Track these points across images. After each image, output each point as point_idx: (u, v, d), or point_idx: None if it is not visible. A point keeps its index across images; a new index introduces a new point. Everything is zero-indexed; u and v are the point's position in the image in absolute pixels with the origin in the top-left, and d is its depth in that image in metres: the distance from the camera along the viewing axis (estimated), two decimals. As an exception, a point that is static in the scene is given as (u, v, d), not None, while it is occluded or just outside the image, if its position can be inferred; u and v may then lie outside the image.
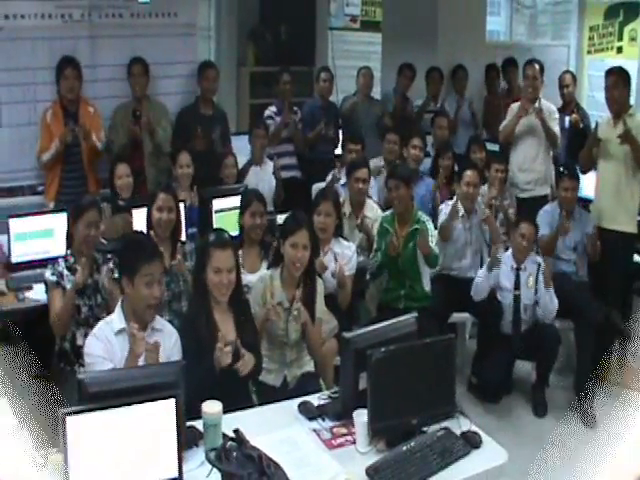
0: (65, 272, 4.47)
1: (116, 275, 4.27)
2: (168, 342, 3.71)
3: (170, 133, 6.64)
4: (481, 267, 5.79)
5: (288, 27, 9.70)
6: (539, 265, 5.42)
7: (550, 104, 6.84)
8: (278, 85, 7.56)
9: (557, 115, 6.82)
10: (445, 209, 5.90)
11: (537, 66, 6.70)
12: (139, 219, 5.16)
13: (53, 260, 4.61)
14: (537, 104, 6.64)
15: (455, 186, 6.12)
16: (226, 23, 9.48)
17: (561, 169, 6.19)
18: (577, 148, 6.58)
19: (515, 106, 6.81)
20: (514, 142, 6.75)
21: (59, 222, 5.16)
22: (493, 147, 7.10)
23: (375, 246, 5.59)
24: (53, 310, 4.41)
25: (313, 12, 9.85)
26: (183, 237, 5.17)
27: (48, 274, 4.46)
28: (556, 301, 5.34)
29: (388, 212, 5.67)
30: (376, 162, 6.77)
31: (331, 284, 5.02)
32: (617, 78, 5.83)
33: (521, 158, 6.74)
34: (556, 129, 6.72)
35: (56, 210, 5.58)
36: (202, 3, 8.77)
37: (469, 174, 5.84)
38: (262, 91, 9.07)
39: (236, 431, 3.16)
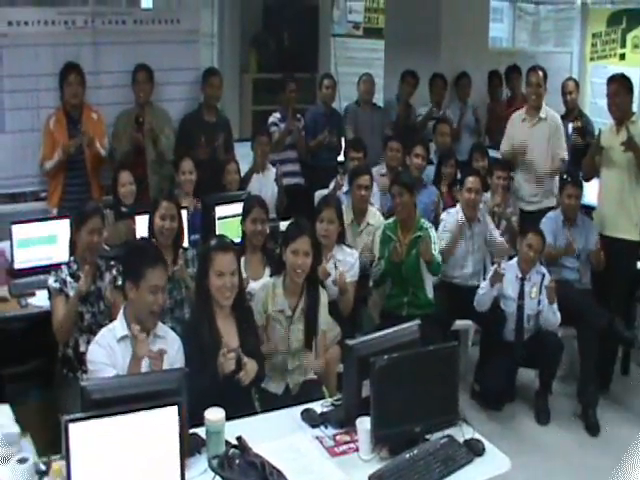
0: (68, 279, 4.47)
1: (119, 282, 4.28)
2: (171, 349, 3.71)
3: (173, 141, 6.64)
4: (484, 274, 5.80)
5: (291, 34, 9.71)
6: (543, 275, 5.41)
7: (554, 113, 6.78)
8: (284, 92, 7.55)
9: (562, 128, 6.77)
10: (446, 218, 5.89)
11: (541, 73, 6.66)
12: (142, 226, 5.15)
13: (56, 267, 4.61)
14: (542, 112, 6.61)
15: (454, 192, 6.12)
16: (229, 30, 9.50)
17: (564, 176, 6.18)
18: (580, 155, 6.57)
19: (516, 115, 6.78)
20: (519, 155, 6.69)
21: (62, 228, 5.18)
22: (495, 154, 7.10)
23: (378, 254, 5.58)
24: (56, 317, 4.41)
25: (316, 19, 9.87)
26: (185, 244, 5.18)
27: (51, 281, 4.46)
28: (558, 315, 5.34)
29: (391, 220, 5.67)
30: (378, 169, 6.76)
31: (334, 291, 5.01)
32: (619, 85, 5.82)
33: (528, 171, 6.64)
34: (562, 145, 6.66)
35: (59, 216, 5.59)
36: (205, 10, 8.79)
37: (471, 181, 5.82)
38: (265, 98, 9.08)
39: (239, 438, 3.16)
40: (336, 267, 5.09)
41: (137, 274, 3.72)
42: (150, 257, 3.84)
